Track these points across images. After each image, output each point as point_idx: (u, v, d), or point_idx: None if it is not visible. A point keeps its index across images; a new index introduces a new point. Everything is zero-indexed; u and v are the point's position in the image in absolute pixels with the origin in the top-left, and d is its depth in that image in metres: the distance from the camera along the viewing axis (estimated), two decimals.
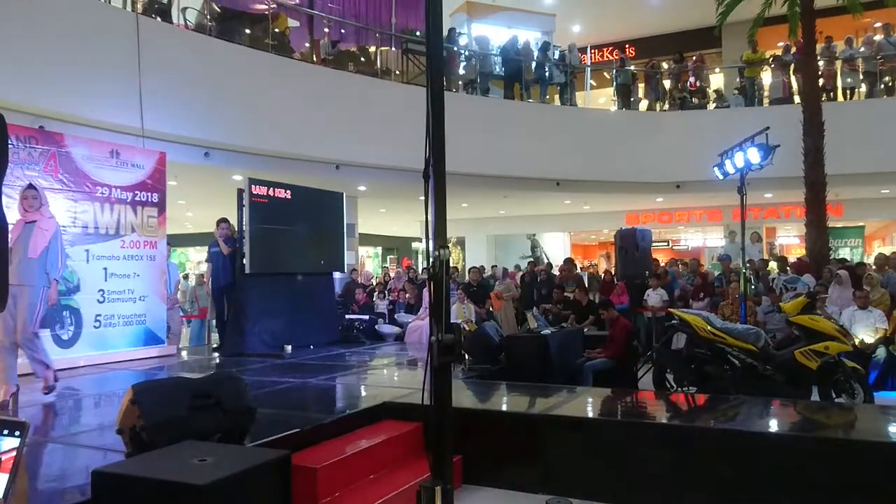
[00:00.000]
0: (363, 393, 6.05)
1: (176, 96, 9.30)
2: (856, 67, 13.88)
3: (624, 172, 14.21)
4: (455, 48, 13.60)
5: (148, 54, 8.65)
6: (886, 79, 13.70)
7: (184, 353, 8.71)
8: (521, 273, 13.70)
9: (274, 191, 8.34)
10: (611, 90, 15.57)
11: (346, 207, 9.93)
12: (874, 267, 9.98)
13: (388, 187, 13.05)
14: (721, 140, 9.73)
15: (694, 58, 15.81)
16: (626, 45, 20.62)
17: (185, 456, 2.96)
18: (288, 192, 8.54)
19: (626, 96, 15.20)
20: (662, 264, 13.72)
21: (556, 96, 14.80)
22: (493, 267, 13.57)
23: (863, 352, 7.22)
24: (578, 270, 13.21)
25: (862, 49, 14.21)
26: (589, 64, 16.48)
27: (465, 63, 14.02)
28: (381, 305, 11.92)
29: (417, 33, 13.26)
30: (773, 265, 13.23)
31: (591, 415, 5.15)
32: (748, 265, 9.45)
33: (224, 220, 8.71)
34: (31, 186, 5.52)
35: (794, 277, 9.76)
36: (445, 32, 13.11)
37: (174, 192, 10.58)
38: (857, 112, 13.38)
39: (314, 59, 12.54)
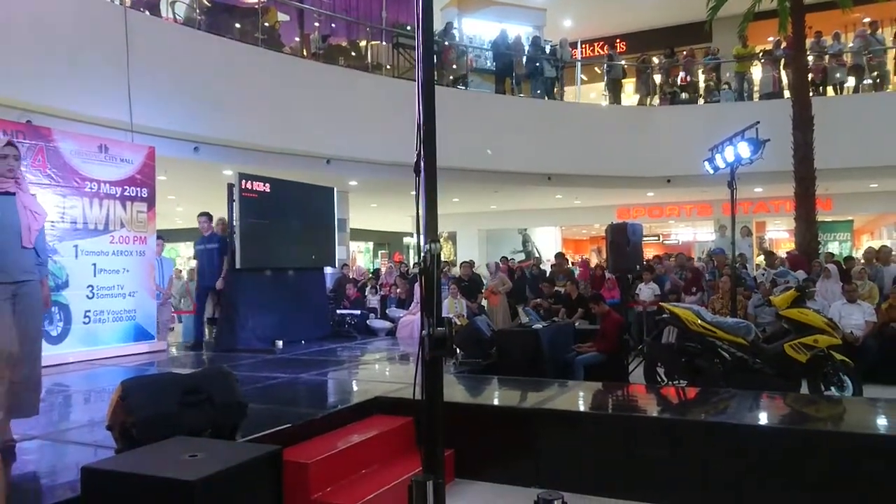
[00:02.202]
0: (355, 388, 6.05)
1: (165, 91, 9.23)
2: (844, 62, 13.95)
3: (615, 167, 14.24)
4: (446, 42, 13.56)
5: (136, 48, 8.59)
6: (875, 74, 13.78)
7: (173, 349, 8.68)
8: (513, 267, 13.73)
9: (252, 184, 8.18)
10: (601, 85, 15.53)
11: (338, 202, 9.91)
12: (862, 261, 10.06)
13: (380, 182, 13.03)
14: (711, 135, 9.76)
15: (685, 52, 15.84)
16: (617, 40, 20.61)
17: (176, 452, 2.95)
18: (267, 184, 8.34)
19: (616, 91, 15.21)
20: (657, 255, 13.73)
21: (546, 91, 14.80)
22: (486, 265, 13.50)
23: (851, 345, 7.28)
24: (570, 265, 13.25)
25: (851, 44, 14.28)
26: (580, 59, 16.48)
27: (460, 58, 13.99)
28: (373, 300, 11.91)
29: (408, 28, 13.22)
30: (760, 259, 13.33)
31: (582, 409, 5.17)
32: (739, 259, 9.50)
33: (202, 215, 8.58)
34: (10, 143, 4.15)
35: (785, 271, 9.81)
36: (437, 27, 13.08)
37: (164, 187, 10.51)
38: (847, 107, 13.45)
39: (304, 53, 12.49)
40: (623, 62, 15.81)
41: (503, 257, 14.36)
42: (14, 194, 3.98)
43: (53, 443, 4.03)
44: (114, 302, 7.64)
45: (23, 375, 3.90)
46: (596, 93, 16.47)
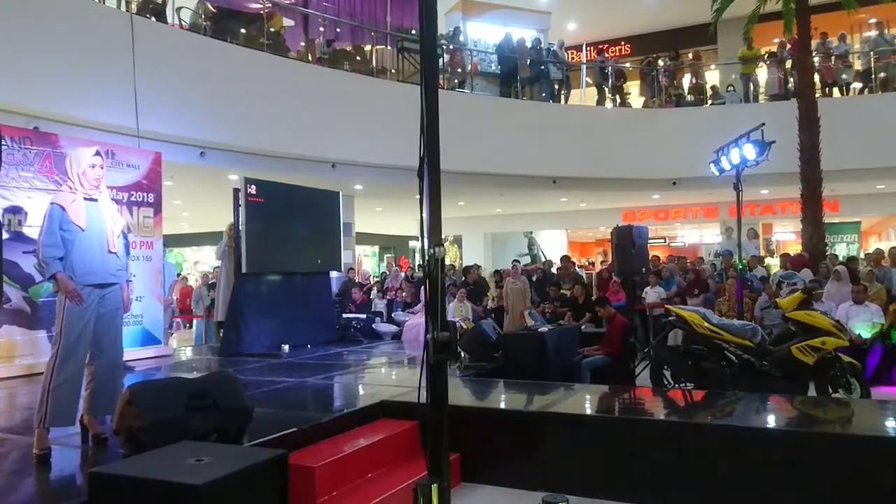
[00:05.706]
0: (360, 392, 6.05)
1: (171, 96, 9.28)
2: (850, 64, 13.90)
3: (620, 169, 14.21)
4: (451, 46, 13.58)
5: (143, 54, 8.62)
6: (882, 74, 13.72)
7: (180, 354, 8.70)
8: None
9: (257, 188, 8.12)
10: (603, 89, 15.45)
11: (343, 206, 9.93)
12: (871, 263, 10.01)
13: (385, 186, 13.05)
14: (717, 137, 9.74)
15: (690, 54, 15.82)
16: (622, 42, 20.62)
17: (182, 456, 2.96)
18: (253, 186, 8.13)
19: (614, 94, 15.18)
20: (661, 260, 13.69)
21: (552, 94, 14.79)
22: (495, 272, 13.31)
23: (859, 347, 7.24)
24: (577, 268, 13.21)
25: (857, 46, 14.23)
26: (584, 61, 16.48)
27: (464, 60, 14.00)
28: (379, 304, 11.93)
29: (412, 32, 13.24)
30: (768, 261, 13.25)
31: (588, 412, 5.15)
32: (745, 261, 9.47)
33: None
34: (98, 153, 4.19)
35: (791, 273, 9.77)
36: (441, 31, 13.10)
37: (170, 192, 10.55)
38: (853, 108, 13.39)
39: (309, 58, 12.52)
40: (628, 64, 15.75)
41: (515, 260, 14.18)
42: (97, 200, 4.14)
43: (60, 447, 4.04)
44: None
45: (101, 377, 4.07)
46: (600, 95, 16.46)
